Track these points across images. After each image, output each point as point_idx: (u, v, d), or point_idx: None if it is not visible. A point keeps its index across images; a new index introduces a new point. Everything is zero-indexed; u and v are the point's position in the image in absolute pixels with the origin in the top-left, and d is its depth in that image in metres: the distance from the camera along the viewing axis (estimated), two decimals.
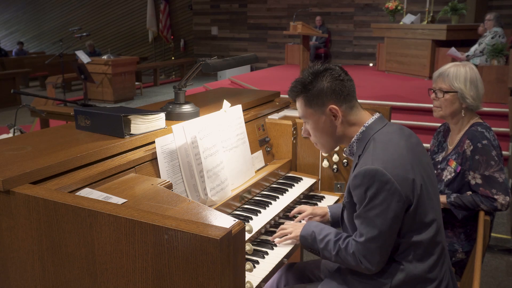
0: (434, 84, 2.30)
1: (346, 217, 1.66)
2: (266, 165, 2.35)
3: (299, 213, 2.07)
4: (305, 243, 1.77)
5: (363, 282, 1.62)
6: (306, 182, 2.35)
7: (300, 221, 2.01)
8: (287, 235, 1.85)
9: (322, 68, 1.65)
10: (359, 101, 1.70)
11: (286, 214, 2.11)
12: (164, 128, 1.86)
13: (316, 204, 2.24)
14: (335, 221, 2.00)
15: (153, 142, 1.77)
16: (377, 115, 1.68)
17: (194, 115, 2.02)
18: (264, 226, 1.92)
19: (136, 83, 11.02)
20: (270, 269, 1.67)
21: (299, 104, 1.70)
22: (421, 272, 1.57)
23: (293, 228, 1.85)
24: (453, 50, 7.47)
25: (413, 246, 1.56)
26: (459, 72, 2.21)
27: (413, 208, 1.52)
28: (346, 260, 1.61)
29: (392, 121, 2.21)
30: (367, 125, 1.64)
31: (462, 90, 2.19)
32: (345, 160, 2.40)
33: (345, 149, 1.72)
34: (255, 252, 1.76)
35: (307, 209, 2.04)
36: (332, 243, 1.66)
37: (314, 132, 1.71)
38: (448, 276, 1.66)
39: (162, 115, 1.87)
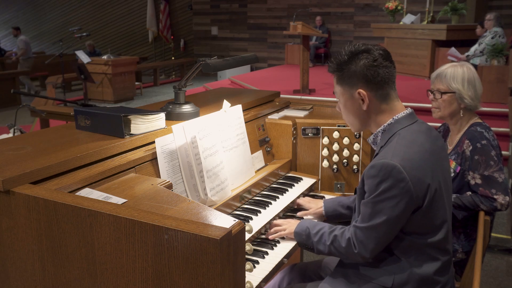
0: (432, 85, 2.30)
1: (357, 203, 1.67)
2: (266, 165, 2.35)
3: (300, 209, 2.14)
4: (299, 239, 1.78)
5: (365, 279, 1.62)
6: (306, 182, 2.35)
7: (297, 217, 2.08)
8: (280, 232, 1.87)
9: (360, 49, 1.61)
10: None
11: (286, 214, 2.11)
12: (164, 128, 1.86)
13: None
14: (329, 215, 2.03)
15: (153, 142, 1.77)
16: (408, 110, 1.66)
17: (194, 115, 2.02)
18: (264, 226, 1.92)
19: (136, 83, 11.02)
20: (270, 269, 1.67)
21: (334, 80, 1.70)
22: (425, 274, 1.57)
23: (287, 225, 1.87)
24: (453, 50, 7.47)
25: (418, 246, 1.56)
26: (456, 72, 2.21)
27: (423, 211, 1.52)
28: (340, 247, 1.61)
29: None
30: (396, 118, 1.63)
31: (460, 90, 2.19)
32: (345, 160, 2.40)
33: (369, 137, 1.72)
34: (255, 252, 1.76)
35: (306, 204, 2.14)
36: (326, 234, 1.68)
37: (343, 110, 1.72)
38: (451, 282, 1.67)
39: (162, 115, 1.87)
